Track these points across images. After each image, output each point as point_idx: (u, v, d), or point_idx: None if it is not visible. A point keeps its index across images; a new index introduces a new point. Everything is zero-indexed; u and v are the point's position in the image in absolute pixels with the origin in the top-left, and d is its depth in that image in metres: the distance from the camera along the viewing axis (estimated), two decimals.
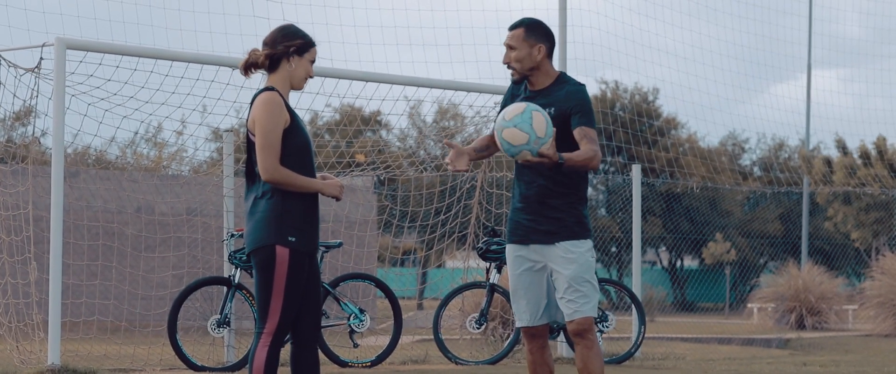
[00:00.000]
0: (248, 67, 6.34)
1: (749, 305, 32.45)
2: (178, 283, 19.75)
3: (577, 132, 6.67)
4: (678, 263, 48.55)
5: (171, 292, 19.34)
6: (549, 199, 6.71)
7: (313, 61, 6.34)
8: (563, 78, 6.82)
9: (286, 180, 6.13)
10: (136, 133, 14.33)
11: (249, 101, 6.38)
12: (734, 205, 44.14)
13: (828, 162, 34.04)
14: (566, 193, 6.73)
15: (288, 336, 6.30)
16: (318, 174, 6.34)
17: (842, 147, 33.98)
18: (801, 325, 26.91)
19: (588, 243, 6.76)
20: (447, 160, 6.70)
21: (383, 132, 35.44)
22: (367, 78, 12.62)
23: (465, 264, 16.01)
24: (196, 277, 19.79)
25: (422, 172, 16.09)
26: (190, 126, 15.52)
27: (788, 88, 53.57)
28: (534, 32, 6.78)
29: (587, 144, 6.64)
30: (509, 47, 6.76)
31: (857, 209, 34.29)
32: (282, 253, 6.13)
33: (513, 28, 6.80)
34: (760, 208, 45.02)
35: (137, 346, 15.62)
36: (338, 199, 6.34)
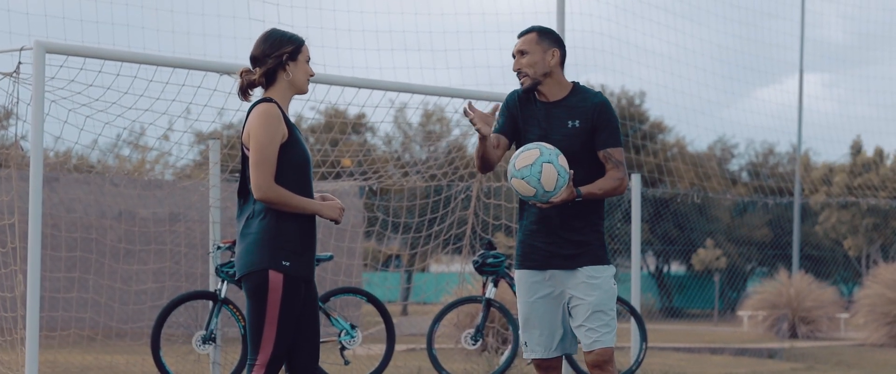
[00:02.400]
0: (245, 90, 5.87)
1: (739, 312, 32.16)
2: (160, 290, 19.32)
3: (603, 154, 6.27)
4: (665, 269, 48.24)
5: (153, 300, 18.91)
6: (570, 220, 6.24)
7: (309, 60, 5.88)
8: (579, 88, 6.37)
9: (281, 200, 5.66)
10: (119, 137, 13.89)
11: (246, 111, 5.89)
12: (722, 210, 43.87)
13: (829, 169, 33.78)
14: (588, 212, 6.27)
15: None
16: (316, 194, 5.88)
17: (856, 150, 33.68)
18: (792, 334, 26.64)
19: (612, 269, 6.30)
20: (470, 113, 6.15)
21: (369, 135, 35.04)
22: (358, 84, 12.18)
23: (461, 268, 15.59)
24: (179, 284, 19.43)
25: (405, 174, 15.68)
26: (175, 133, 15.05)
27: (773, 92, 53.27)
28: (546, 37, 6.37)
29: (613, 170, 6.26)
30: (520, 53, 6.33)
31: (853, 215, 34.01)
32: (275, 279, 5.64)
33: (523, 34, 6.40)
34: (748, 214, 44.73)
35: (119, 355, 15.24)
36: (337, 222, 5.87)
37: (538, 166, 5.99)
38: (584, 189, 6.16)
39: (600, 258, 6.27)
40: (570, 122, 6.24)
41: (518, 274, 6.39)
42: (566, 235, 6.24)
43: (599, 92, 6.35)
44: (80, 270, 18.29)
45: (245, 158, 5.78)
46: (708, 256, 40.06)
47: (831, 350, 22.81)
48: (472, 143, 21.65)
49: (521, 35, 6.39)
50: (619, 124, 6.32)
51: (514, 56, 6.38)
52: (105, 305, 17.65)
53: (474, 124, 6.15)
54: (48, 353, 15.43)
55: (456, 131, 16.29)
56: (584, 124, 6.24)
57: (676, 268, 49.11)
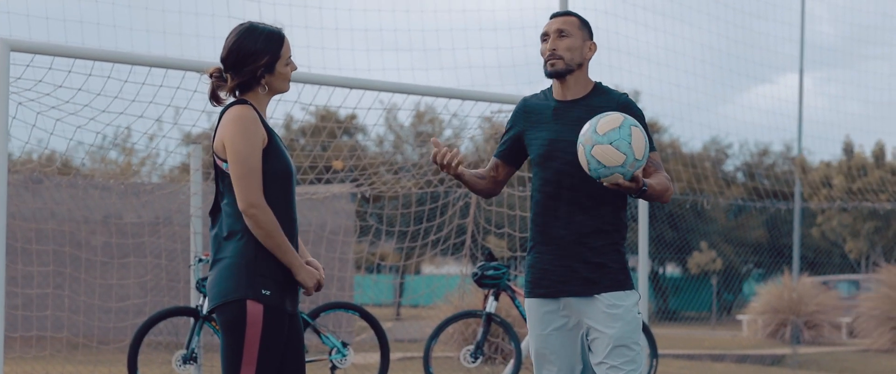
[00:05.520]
0: (216, 94, 5.05)
1: (738, 317, 31.68)
2: (145, 297, 18.71)
3: None
4: (660, 270, 47.70)
5: (138, 307, 18.28)
6: (589, 239, 5.44)
7: (289, 57, 5.03)
8: (601, 88, 5.58)
9: (268, 224, 4.84)
10: (97, 139, 13.22)
11: (218, 115, 5.08)
12: (718, 211, 43.35)
13: (826, 167, 33.28)
14: (609, 231, 5.47)
15: None
16: (304, 258, 5.05)
17: (848, 150, 33.20)
18: (794, 339, 26.10)
19: (635, 296, 5.47)
20: (439, 153, 5.38)
21: (360, 136, 34.45)
22: (349, 85, 11.53)
23: (462, 272, 14.99)
24: (164, 292, 18.81)
25: (396, 172, 15.08)
26: (156, 136, 14.38)
27: (767, 90, 52.78)
28: (586, 26, 5.57)
29: (658, 174, 5.45)
30: (559, 33, 5.49)
31: (854, 218, 33.44)
32: (254, 310, 4.82)
33: (560, 14, 5.54)
34: (745, 215, 44.23)
35: (102, 367, 14.69)
36: (307, 293, 5.01)
37: (627, 129, 5.13)
38: (648, 181, 5.33)
39: (621, 283, 5.47)
40: None
41: (528, 303, 5.62)
42: (584, 256, 5.46)
43: (624, 93, 5.56)
44: (58, 277, 17.64)
45: (218, 172, 4.99)
46: (704, 258, 39.48)
47: (835, 356, 22.39)
48: (465, 146, 21.02)
49: (557, 15, 5.56)
50: (647, 125, 5.50)
51: (544, 38, 5.56)
52: (86, 313, 17.00)
53: (447, 168, 5.40)
54: (26, 365, 14.85)
55: (448, 132, 15.68)
56: None
57: (671, 270, 48.60)
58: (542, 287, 5.55)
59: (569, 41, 5.50)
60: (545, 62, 5.56)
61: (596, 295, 5.46)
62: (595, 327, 5.44)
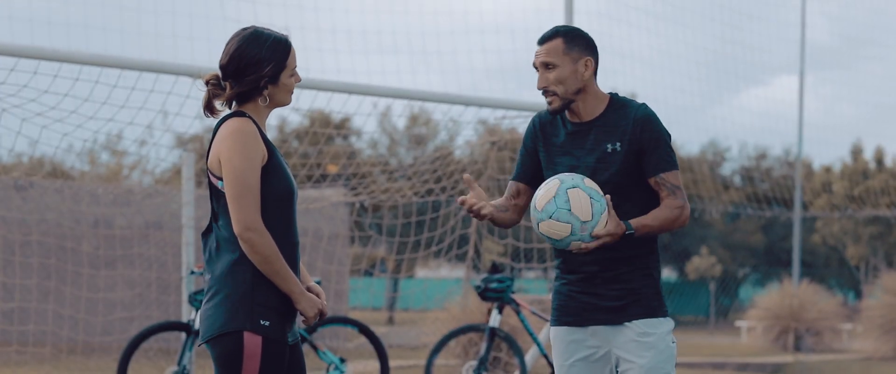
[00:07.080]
0: (212, 105, 4.60)
1: (737, 323, 31.44)
2: (134, 306, 18.36)
3: (655, 181, 5.04)
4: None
5: (129, 315, 17.93)
6: (618, 264, 5.04)
7: (295, 67, 4.60)
8: (618, 100, 5.13)
9: (266, 249, 4.41)
10: (93, 143, 12.89)
11: (213, 128, 4.65)
12: (715, 216, 43.16)
13: (827, 171, 33.08)
14: (639, 254, 5.05)
15: None
16: (305, 282, 4.63)
17: (855, 153, 33.02)
18: (795, 346, 25.81)
19: (669, 323, 5.08)
20: (467, 200, 5.06)
21: (354, 138, 34.13)
22: (345, 89, 11.18)
23: (466, 274, 14.67)
24: (154, 301, 18.48)
25: (395, 180, 14.76)
26: (149, 140, 14.02)
27: (763, 93, 52.63)
28: (576, 42, 5.08)
29: (669, 198, 5.02)
30: (546, 66, 5.05)
31: (855, 223, 33.16)
32: (252, 343, 4.40)
33: (546, 40, 5.09)
34: (742, 219, 44.01)
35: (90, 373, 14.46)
36: (307, 322, 4.61)
37: (563, 196, 4.79)
38: (635, 222, 4.94)
39: (654, 310, 5.06)
40: (608, 144, 5.04)
41: (553, 332, 5.21)
42: (612, 282, 5.06)
43: (643, 104, 5.11)
44: (45, 284, 17.29)
45: (213, 190, 4.55)
46: (704, 263, 39.21)
47: (838, 365, 22.13)
48: (461, 151, 20.68)
49: (542, 41, 5.11)
50: (670, 141, 5.10)
51: (536, 67, 5.13)
52: (70, 326, 16.66)
53: (473, 212, 5.07)
54: (8, 370, 14.52)
55: (442, 134, 15.35)
56: (627, 147, 5.03)
57: (667, 274, 48.41)
58: (569, 315, 5.15)
59: (556, 73, 5.06)
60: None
61: (626, 323, 5.05)
62: (625, 357, 5.04)
